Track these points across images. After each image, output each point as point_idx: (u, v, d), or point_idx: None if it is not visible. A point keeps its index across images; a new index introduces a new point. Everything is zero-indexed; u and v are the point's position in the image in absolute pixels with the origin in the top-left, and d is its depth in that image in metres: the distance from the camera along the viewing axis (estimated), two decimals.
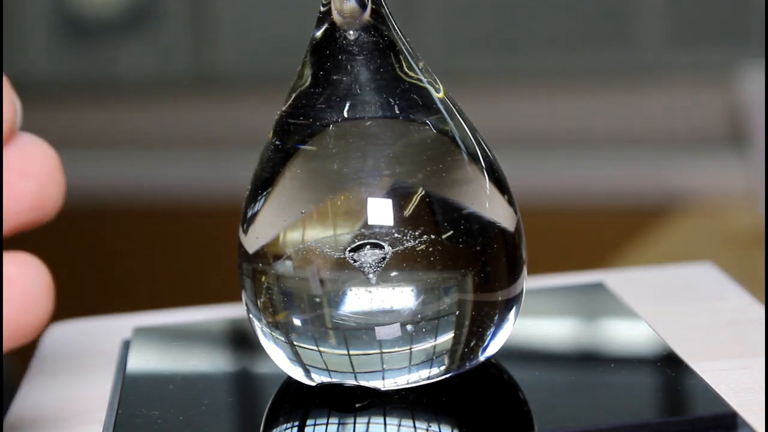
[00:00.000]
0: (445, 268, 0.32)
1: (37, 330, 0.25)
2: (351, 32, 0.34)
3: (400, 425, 0.32)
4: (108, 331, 0.44)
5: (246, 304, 0.35)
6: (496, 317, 0.34)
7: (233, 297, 0.45)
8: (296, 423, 0.33)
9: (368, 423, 0.32)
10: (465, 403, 0.33)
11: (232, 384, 0.37)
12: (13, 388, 0.39)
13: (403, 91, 0.34)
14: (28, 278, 0.24)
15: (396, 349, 0.33)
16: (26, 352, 0.35)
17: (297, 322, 0.33)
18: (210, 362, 0.39)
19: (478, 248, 0.33)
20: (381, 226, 0.32)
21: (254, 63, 1.88)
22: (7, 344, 0.24)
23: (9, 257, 0.24)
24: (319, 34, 0.34)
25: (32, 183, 0.25)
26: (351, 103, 0.33)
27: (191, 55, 1.90)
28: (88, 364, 0.41)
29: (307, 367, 0.34)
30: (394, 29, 0.34)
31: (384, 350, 0.33)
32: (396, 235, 0.32)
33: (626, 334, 0.39)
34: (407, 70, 0.34)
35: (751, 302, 0.42)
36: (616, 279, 0.45)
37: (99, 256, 1.79)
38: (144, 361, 0.39)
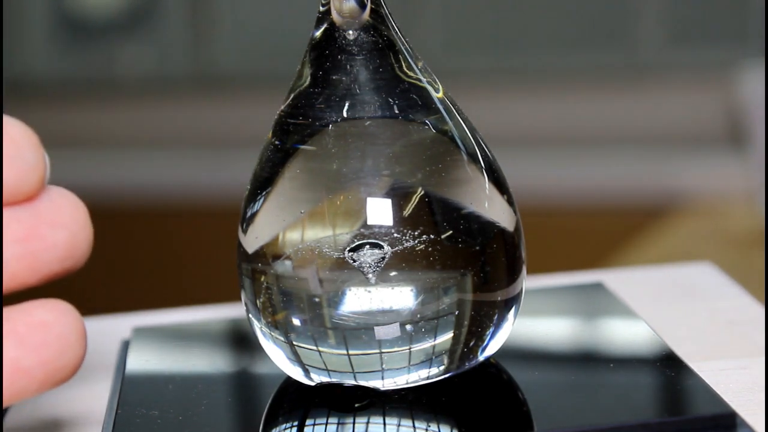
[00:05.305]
0: (444, 268, 0.32)
1: (73, 372, 0.26)
2: (350, 32, 0.34)
3: (399, 425, 0.32)
4: (107, 331, 0.44)
5: (245, 304, 0.35)
6: (496, 317, 0.34)
7: (233, 297, 0.45)
8: (295, 423, 0.33)
9: (368, 423, 0.32)
10: (464, 403, 0.33)
11: (231, 384, 0.37)
12: None
13: (403, 91, 0.34)
14: (63, 323, 0.25)
15: (395, 349, 0.33)
16: None
17: (296, 321, 0.33)
18: (209, 362, 0.39)
19: (478, 248, 0.33)
20: (380, 226, 0.32)
21: (253, 62, 1.88)
22: (45, 386, 0.25)
23: (44, 304, 0.25)
24: (318, 33, 0.34)
25: (63, 234, 0.26)
26: (350, 102, 0.33)
27: (190, 55, 1.90)
28: (87, 364, 0.41)
29: (307, 366, 0.34)
30: (394, 29, 0.34)
31: (383, 350, 0.33)
32: (395, 234, 0.32)
33: (626, 334, 0.39)
34: (406, 70, 0.34)
35: (750, 302, 0.42)
36: (615, 279, 0.45)
37: (98, 256, 1.79)
38: (143, 361, 0.39)
